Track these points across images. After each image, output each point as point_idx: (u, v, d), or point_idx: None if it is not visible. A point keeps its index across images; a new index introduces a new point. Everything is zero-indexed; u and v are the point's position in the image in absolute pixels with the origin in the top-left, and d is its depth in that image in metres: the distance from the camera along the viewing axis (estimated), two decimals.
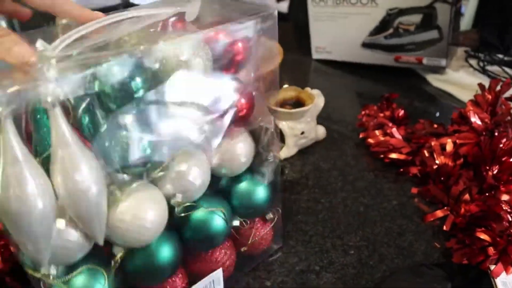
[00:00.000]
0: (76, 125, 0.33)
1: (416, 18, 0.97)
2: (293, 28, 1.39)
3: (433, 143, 0.67)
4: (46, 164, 0.31)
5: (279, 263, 0.53)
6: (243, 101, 0.44)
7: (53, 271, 0.34)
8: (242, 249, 0.49)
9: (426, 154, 0.67)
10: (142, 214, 0.36)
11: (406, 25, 0.99)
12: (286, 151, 0.72)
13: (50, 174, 0.31)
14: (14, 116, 0.28)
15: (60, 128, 0.30)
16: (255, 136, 0.47)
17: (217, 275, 0.46)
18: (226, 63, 0.41)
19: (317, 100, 0.73)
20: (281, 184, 0.55)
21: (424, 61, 1.00)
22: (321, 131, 0.77)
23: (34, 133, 0.32)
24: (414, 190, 0.65)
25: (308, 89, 0.75)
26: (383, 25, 1.01)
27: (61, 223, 0.33)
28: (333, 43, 1.10)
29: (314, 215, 0.60)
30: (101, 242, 0.35)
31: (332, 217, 0.60)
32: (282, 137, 0.71)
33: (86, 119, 0.33)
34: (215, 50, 0.39)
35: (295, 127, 0.70)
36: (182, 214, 0.40)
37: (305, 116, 0.71)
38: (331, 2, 1.03)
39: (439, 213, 0.59)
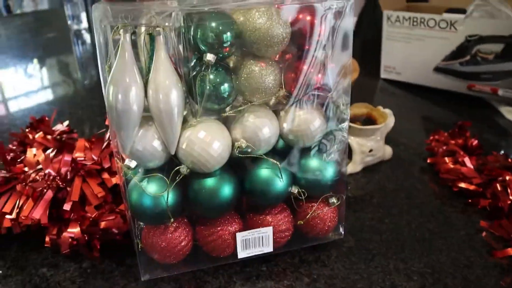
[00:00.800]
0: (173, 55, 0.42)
1: (497, 47, 0.94)
2: (360, 45, 1.38)
3: (507, 177, 0.65)
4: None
5: (341, 278, 0.52)
6: (319, 75, 0.45)
7: (132, 164, 0.43)
8: (299, 222, 0.52)
9: (499, 188, 0.65)
10: (208, 141, 0.43)
11: (485, 53, 0.96)
12: (352, 167, 0.71)
13: (147, 87, 0.41)
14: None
15: (160, 54, 0.40)
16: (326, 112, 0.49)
17: (267, 233, 0.49)
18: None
19: (388, 119, 0.72)
20: (346, 198, 0.55)
21: (500, 92, 0.97)
22: (388, 151, 0.75)
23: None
24: (484, 224, 0.62)
25: (380, 107, 0.74)
26: (460, 51, 0.98)
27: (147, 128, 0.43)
28: (404, 64, 1.08)
29: (378, 234, 0.59)
30: (172, 151, 0.44)
31: (397, 239, 0.59)
32: (349, 153, 0.70)
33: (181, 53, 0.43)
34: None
35: (364, 144, 0.69)
36: (240, 155, 0.46)
37: (375, 134, 0.70)
38: (408, 23, 1.02)
39: (511, 251, 0.57)
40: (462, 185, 0.68)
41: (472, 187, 0.67)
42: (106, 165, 0.58)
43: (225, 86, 0.44)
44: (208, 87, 0.43)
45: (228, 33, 0.42)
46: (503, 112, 0.97)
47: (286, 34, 0.43)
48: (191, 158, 0.44)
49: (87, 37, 1.61)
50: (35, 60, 1.36)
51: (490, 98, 1.01)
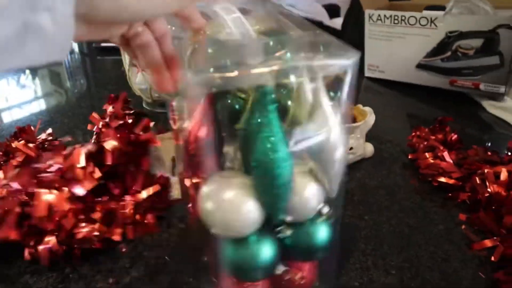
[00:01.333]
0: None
1: (477, 42, 0.95)
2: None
3: (486, 170, 0.65)
4: None
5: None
6: None
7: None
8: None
9: (478, 181, 0.65)
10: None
11: (466, 49, 0.97)
12: None
13: None
14: None
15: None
16: None
17: None
18: None
19: (368, 117, 0.73)
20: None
21: (482, 86, 0.98)
22: (369, 149, 0.76)
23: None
24: (462, 217, 0.63)
25: (360, 106, 0.75)
26: (441, 48, 0.99)
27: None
28: (387, 62, 1.09)
29: (357, 231, 0.60)
30: (333, 194, 0.39)
31: (376, 235, 0.59)
32: None
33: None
34: None
35: None
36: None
37: (355, 132, 0.71)
38: (389, 22, 1.03)
39: (488, 243, 0.57)
40: (442, 179, 0.69)
41: (451, 181, 0.68)
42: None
43: None
44: None
45: None
46: (486, 106, 0.98)
47: None
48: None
49: (75, 46, 1.62)
50: (27, 72, 1.37)
51: (472, 93, 1.02)
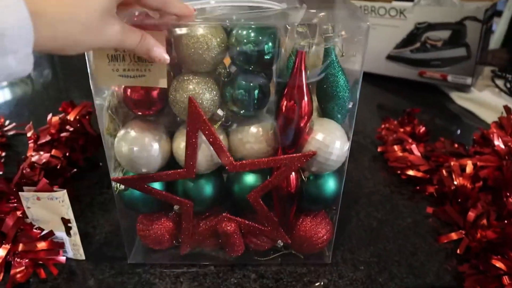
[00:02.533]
0: None
1: (445, 34, 0.95)
2: None
3: (452, 163, 0.66)
4: None
5: (288, 272, 0.52)
6: None
7: None
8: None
9: (445, 174, 0.66)
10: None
11: (434, 40, 0.97)
12: None
13: None
14: None
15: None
16: None
17: None
18: None
19: None
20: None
21: (449, 78, 0.99)
22: None
23: None
24: (430, 210, 0.64)
25: None
26: (410, 39, 1.00)
27: None
28: None
29: None
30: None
31: (344, 229, 0.59)
32: None
33: None
34: None
35: None
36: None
37: None
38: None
39: (454, 236, 0.58)
40: (410, 172, 0.69)
41: (419, 174, 0.69)
42: None
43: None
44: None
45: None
46: (453, 98, 0.99)
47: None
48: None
49: None
50: None
51: (440, 84, 1.03)
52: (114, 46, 0.38)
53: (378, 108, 1.00)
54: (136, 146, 0.45)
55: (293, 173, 0.47)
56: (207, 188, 0.48)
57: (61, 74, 1.24)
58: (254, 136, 0.46)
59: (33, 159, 0.60)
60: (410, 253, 0.56)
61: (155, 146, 0.45)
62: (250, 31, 0.41)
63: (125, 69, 0.41)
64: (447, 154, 0.71)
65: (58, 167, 0.61)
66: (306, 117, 0.44)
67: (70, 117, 0.66)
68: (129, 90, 0.45)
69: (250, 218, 0.50)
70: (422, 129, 0.75)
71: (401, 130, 0.77)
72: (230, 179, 0.50)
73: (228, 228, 0.49)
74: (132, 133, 0.45)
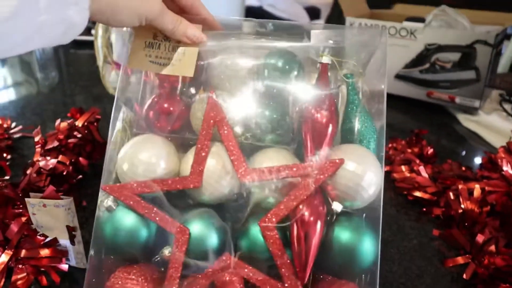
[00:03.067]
0: None
1: (455, 56, 0.96)
2: None
3: (460, 187, 0.66)
4: None
5: None
6: None
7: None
8: None
9: (452, 197, 0.66)
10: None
11: (443, 62, 0.97)
12: None
13: None
14: None
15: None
16: None
17: None
18: None
19: None
20: None
21: (457, 100, 0.99)
22: None
23: None
24: (436, 232, 0.63)
25: None
26: (420, 59, 1.00)
27: None
28: None
29: None
30: None
31: None
32: None
33: None
34: None
35: None
36: None
37: None
38: None
39: (460, 260, 0.57)
40: (417, 194, 0.69)
41: (426, 196, 0.68)
42: None
43: None
44: None
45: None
46: (460, 120, 0.99)
47: None
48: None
49: None
50: None
51: (448, 106, 1.03)
52: (154, 18, 0.40)
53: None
54: (142, 164, 0.43)
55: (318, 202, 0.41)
56: (211, 221, 0.42)
57: (66, 77, 1.24)
58: (273, 158, 0.44)
59: (40, 164, 0.60)
60: (416, 275, 0.55)
61: (162, 164, 0.43)
62: (279, 58, 0.45)
63: (157, 56, 0.43)
64: (454, 177, 0.70)
65: (64, 173, 0.61)
66: (331, 125, 0.43)
67: (79, 123, 0.66)
68: (151, 111, 0.46)
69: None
70: (430, 150, 0.75)
71: (409, 150, 0.76)
72: (238, 234, 0.43)
73: (229, 278, 0.40)
74: (139, 148, 0.44)
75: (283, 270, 0.40)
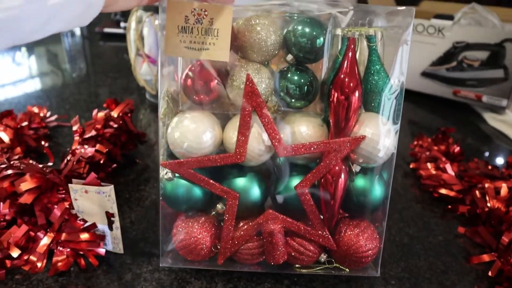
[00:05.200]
0: None
1: (483, 54, 0.95)
2: None
3: (486, 185, 0.66)
4: None
5: (321, 280, 0.53)
6: None
7: None
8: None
9: (478, 195, 0.66)
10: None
11: (471, 60, 0.97)
12: None
13: None
14: None
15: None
16: None
17: None
18: None
19: None
20: None
21: (484, 99, 0.98)
22: None
23: None
24: (461, 230, 0.64)
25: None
26: (447, 57, 1.00)
27: None
28: None
29: None
30: None
31: None
32: None
33: None
34: None
35: None
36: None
37: None
38: None
39: (486, 257, 0.58)
40: (443, 191, 0.70)
41: (452, 194, 0.69)
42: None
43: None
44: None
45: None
46: (487, 119, 0.99)
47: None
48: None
49: (76, 29, 1.59)
50: (23, 49, 1.35)
51: (474, 104, 1.03)
52: None
53: (409, 123, 1.01)
54: (189, 134, 0.46)
55: (342, 169, 0.48)
56: (254, 182, 0.49)
57: (95, 69, 1.27)
58: (303, 130, 0.47)
59: (78, 152, 0.62)
60: (441, 271, 0.56)
61: (208, 135, 0.47)
62: (304, 25, 0.46)
63: (192, 41, 0.44)
64: (481, 175, 0.71)
65: (101, 162, 0.63)
66: (356, 106, 0.46)
67: (114, 113, 0.69)
68: (188, 79, 0.48)
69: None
70: (457, 148, 0.76)
71: (435, 148, 0.77)
72: (276, 177, 0.51)
73: (272, 226, 0.49)
74: (186, 121, 0.47)
75: (314, 221, 0.50)
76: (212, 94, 0.48)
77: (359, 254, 0.50)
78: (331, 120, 0.47)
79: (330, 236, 0.50)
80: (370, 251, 0.50)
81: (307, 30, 0.46)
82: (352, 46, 0.45)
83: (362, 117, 0.48)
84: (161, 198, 0.51)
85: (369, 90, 0.47)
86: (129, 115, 0.72)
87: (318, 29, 0.46)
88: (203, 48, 0.44)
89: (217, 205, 0.51)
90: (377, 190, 0.50)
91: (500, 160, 0.84)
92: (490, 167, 0.74)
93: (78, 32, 1.58)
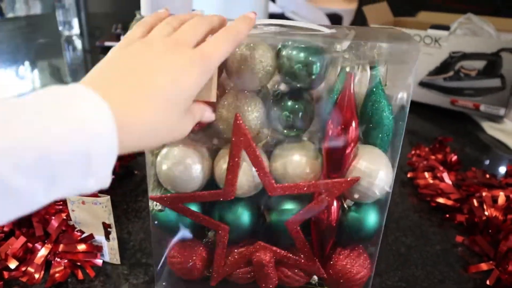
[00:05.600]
0: None
1: (479, 64, 0.96)
2: None
3: (484, 194, 0.66)
4: None
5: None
6: None
7: None
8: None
9: (476, 204, 0.66)
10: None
11: (468, 69, 0.98)
12: None
13: None
14: None
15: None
16: None
17: None
18: None
19: None
20: None
21: (482, 108, 0.99)
22: None
23: None
24: (459, 239, 0.64)
25: None
26: (444, 67, 1.00)
27: None
28: None
29: None
30: None
31: None
32: None
33: None
34: None
35: None
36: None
37: None
38: None
39: (484, 266, 0.58)
40: (440, 200, 0.70)
41: (449, 203, 0.69)
42: None
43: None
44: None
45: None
46: (485, 127, 0.99)
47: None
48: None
49: (78, 43, 1.61)
50: (26, 63, 1.37)
51: (472, 113, 1.03)
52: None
53: (407, 133, 1.01)
54: (179, 165, 0.45)
55: (334, 202, 0.46)
56: (245, 214, 0.48)
57: None
58: (296, 162, 0.45)
59: None
60: (439, 280, 0.56)
61: (198, 166, 0.46)
62: (300, 51, 0.42)
63: None
64: (478, 184, 0.71)
65: None
66: (352, 142, 0.43)
67: None
68: None
69: (284, 250, 0.49)
70: (454, 157, 0.76)
71: (433, 157, 0.77)
72: (267, 206, 0.49)
73: (263, 257, 0.48)
74: (175, 152, 0.46)
75: (305, 254, 0.49)
76: (201, 123, 0.45)
77: (351, 282, 0.49)
78: (324, 156, 0.45)
79: (320, 267, 0.49)
80: (362, 278, 0.49)
81: (302, 56, 0.42)
82: (350, 82, 0.43)
83: (359, 151, 0.46)
84: (151, 226, 0.50)
85: (369, 124, 0.45)
86: None
87: (315, 56, 0.42)
88: None
89: (208, 232, 0.50)
90: (372, 221, 0.47)
91: (498, 169, 0.84)
92: (488, 176, 0.74)
93: (79, 46, 1.60)
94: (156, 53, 0.34)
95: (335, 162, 0.45)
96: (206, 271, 0.51)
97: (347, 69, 0.43)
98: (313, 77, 0.43)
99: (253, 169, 0.45)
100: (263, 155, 0.46)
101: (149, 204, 0.49)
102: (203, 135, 0.49)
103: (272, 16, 1.72)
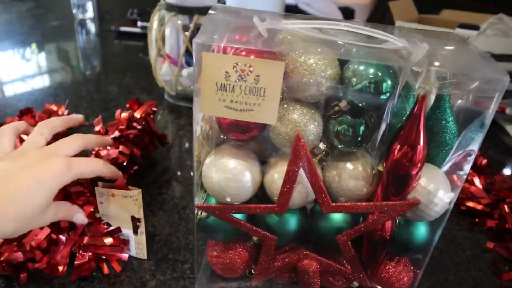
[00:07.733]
0: None
1: (508, 66, 0.93)
2: None
3: None
4: None
5: None
6: None
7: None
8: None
9: (506, 209, 0.65)
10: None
11: None
12: None
13: None
14: None
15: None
16: None
17: None
18: None
19: None
20: None
21: (508, 110, 0.97)
22: None
23: None
24: (490, 245, 0.62)
25: None
26: None
27: None
28: None
29: None
30: None
31: None
32: None
33: None
34: None
35: None
36: None
37: None
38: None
39: None
40: (470, 204, 0.68)
41: (480, 207, 0.67)
42: None
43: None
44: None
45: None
46: (510, 131, 0.97)
47: None
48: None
49: (91, 26, 1.58)
50: (34, 45, 1.35)
51: (497, 116, 1.01)
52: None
53: None
54: (228, 174, 0.42)
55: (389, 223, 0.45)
56: (292, 223, 0.45)
57: (107, 68, 1.26)
58: (351, 173, 0.43)
59: (102, 154, 0.61)
60: (472, 286, 0.55)
61: (247, 175, 0.42)
62: (369, 67, 0.38)
63: (232, 101, 0.38)
64: (508, 189, 0.69)
65: (124, 163, 0.62)
66: (419, 165, 0.40)
67: (137, 114, 0.67)
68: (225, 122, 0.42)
69: (329, 257, 0.48)
70: (484, 161, 0.74)
71: None
72: (316, 216, 0.47)
73: (310, 268, 0.47)
74: (224, 160, 0.42)
75: (353, 268, 0.47)
76: (252, 131, 0.42)
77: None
78: (385, 177, 0.42)
79: (366, 278, 0.48)
80: (405, 286, 0.49)
81: (371, 72, 0.38)
82: (422, 104, 0.39)
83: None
84: (195, 231, 0.48)
85: (430, 143, 0.42)
86: (151, 116, 0.70)
87: (387, 77, 0.38)
88: (246, 109, 0.38)
89: (253, 237, 0.47)
90: (423, 235, 0.46)
91: None
92: None
93: (92, 30, 1.57)
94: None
95: (397, 185, 0.42)
96: (248, 271, 0.50)
97: (422, 91, 0.39)
98: (382, 96, 0.39)
99: (309, 188, 0.42)
100: (319, 171, 0.43)
101: (195, 211, 0.46)
102: (252, 143, 0.46)
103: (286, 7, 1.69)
